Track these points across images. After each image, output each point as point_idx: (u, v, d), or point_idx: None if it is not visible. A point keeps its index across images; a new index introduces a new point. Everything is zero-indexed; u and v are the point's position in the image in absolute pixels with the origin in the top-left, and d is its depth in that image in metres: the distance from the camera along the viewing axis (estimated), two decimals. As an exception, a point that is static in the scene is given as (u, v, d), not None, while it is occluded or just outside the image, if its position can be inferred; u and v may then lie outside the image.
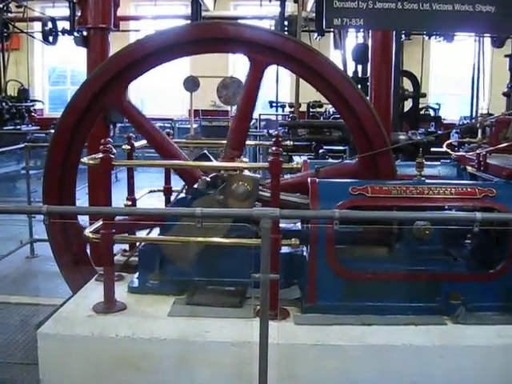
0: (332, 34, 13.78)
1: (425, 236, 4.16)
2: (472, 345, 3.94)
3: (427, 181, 4.56)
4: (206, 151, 5.30)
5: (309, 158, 6.55)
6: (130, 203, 5.46)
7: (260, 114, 18.44)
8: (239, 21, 15.60)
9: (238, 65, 22.45)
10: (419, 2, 4.67)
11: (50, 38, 12.48)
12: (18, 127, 17.27)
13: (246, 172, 4.64)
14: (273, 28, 13.83)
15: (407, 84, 11.37)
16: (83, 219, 5.16)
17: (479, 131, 5.82)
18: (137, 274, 4.81)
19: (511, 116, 5.69)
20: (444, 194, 4.34)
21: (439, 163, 5.71)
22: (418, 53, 15.35)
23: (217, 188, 4.69)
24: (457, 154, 5.88)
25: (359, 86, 5.21)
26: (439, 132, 10.28)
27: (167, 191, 5.90)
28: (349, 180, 4.60)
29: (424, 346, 3.91)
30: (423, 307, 4.25)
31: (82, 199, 7.48)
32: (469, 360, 3.89)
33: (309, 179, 4.50)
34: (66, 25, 11.16)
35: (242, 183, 4.52)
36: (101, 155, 4.40)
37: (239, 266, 4.33)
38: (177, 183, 5.74)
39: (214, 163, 4.94)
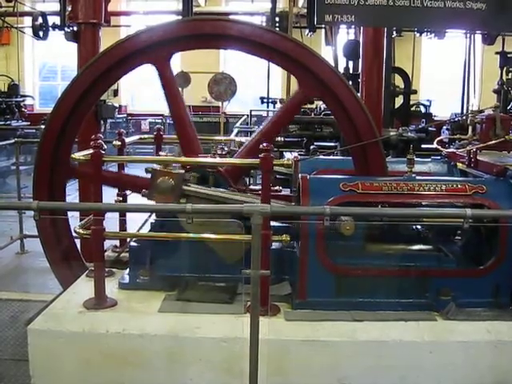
0: (323, 30, 13.78)
1: (346, 232, 4.16)
2: (461, 340, 3.96)
3: (418, 177, 4.58)
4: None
5: (300, 154, 6.53)
6: (120, 199, 5.46)
7: (251, 110, 18.42)
8: (230, 16, 15.54)
9: (229, 61, 22.42)
10: (410, -2, 4.69)
11: (41, 33, 12.38)
12: (9, 123, 17.21)
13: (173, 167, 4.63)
14: (264, 24, 13.80)
15: (398, 80, 11.38)
16: (73, 215, 5.15)
17: (469, 128, 5.84)
18: (127, 270, 4.80)
19: (499, 112, 5.69)
20: (434, 190, 4.35)
21: (430, 160, 5.72)
22: (409, 49, 15.33)
23: (207, 183, 4.70)
24: (447, 150, 5.90)
25: (350, 83, 5.22)
26: (429, 128, 10.29)
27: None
28: (339, 176, 4.61)
29: (414, 342, 3.94)
30: (413, 303, 4.27)
31: (72, 195, 7.47)
32: (458, 355, 3.91)
33: (299, 175, 4.50)
34: (57, 20, 11.08)
35: (168, 178, 4.51)
36: (91, 151, 4.39)
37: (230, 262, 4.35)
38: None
39: (204, 159, 4.93)
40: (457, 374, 3.92)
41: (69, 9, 8.45)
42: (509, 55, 14.50)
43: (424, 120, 12.32)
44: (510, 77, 14.00)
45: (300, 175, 4.50)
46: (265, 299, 3.99)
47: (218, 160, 4.92)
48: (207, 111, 20.11)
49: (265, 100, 17.69)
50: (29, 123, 17.81)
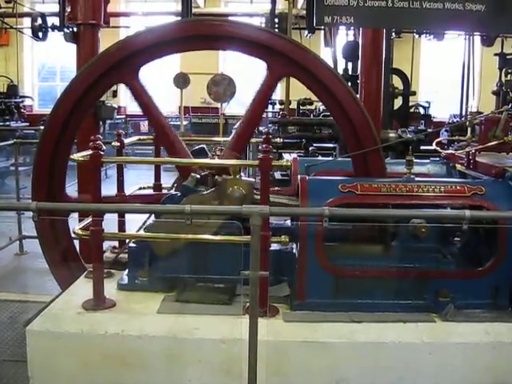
0: (323, 31, 13.78)
1: (421, 234, 4.17)
2: (460, 342, 3.96)
3: (417, 179, 4.58)
4: (204, 146, 5.27)
5: (299, 156, 6.54)
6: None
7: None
8: (229, 18, 15.53)
9: (228, 62, 22.43)
10: (410, 0, 4.69)
11: (40, 34, 12.38)
12: (8, 123, 17.22)
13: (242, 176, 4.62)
14: (263, 25, 13.81)
15: (397, 82, 11.39)
16: (72, 216, 5.15)
17: (468, 129, 5.84)
18: (126, 271, 4.80)
19: (500, 114, 5.69)
20: (433, 191, 4.35)
21: (429, 161, 5.72)
22: (408, 51, 15.38)
23: (206, 186, 4.69)
24: (446, 152, 5.90)
25: (349, 84, 5.23)
26: (429, 130, 10.31)
27: (157, 188, 5.89)
28: (338, 178, 4.61)
29: (412, 343, 3.93)
30: (412, 304, 4.27)
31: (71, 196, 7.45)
32: (457, 357, 3.91)
33: (299, 177, 4.50)
34: (56, 21, 11.10)
35: (238, 187, 4.50)
36: (90, 152, 4.39)
37: (229, 263, 4.35)
38: (166, 180, 5.73)
39: (207, 160, 4.93)
40: (455, 376, 3.92)
41: (68, 10, 8.45)
42: (508, 57, 14.53)
43: (423, 121, 12.33)
44: (508, 78, 14.02)
45: (299, 176, 4.51)
46: (264, 300, 3.98)
47: (217, 161, 4.91)
48: (206, 112, 20.11)
49: (264, 101, 17.66)
50: (28, 124, 17.84)
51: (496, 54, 14.74)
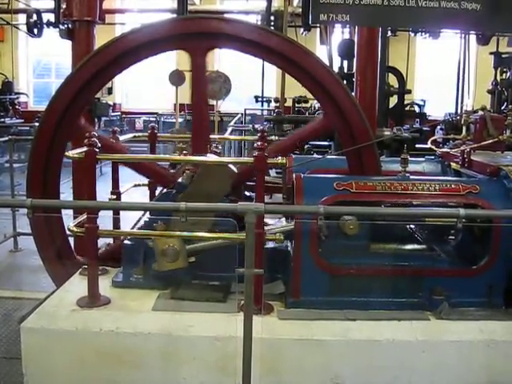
0: (318, 29, 13.78)
1: (350, 232, 4.18)
2: (454, 340, 3.97)
3: (411, 177, 4.58)
4: None
5: (294, 153, 6.52)
6: (114, 197, 5.45)
7: (245, 109, 18.41)
8: (225, 15, 15.51)
9: (223, 59, 22.40)
10: (405, -2, 4.70)
11: (35, 31, 12.38)
12: (2, 120, 17.17)
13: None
14: (259, 23, 13.79)
15: (393, 80, 11.40)
16: (67, 213, 5.13)
17: (463, 128, 5.86)
18: (121, 269, 4.79)
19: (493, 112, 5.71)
20: (428, 190, 4.36)
21: (424, 159, 5.73)
22: (403, 49, 15.37)
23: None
24: (441, 150, 5.91)
25: (345, 82, 5.23)
26: (424, 127, 10.31)
27: (152, 185, 5.89)
28: (333, 175, 4.61)
29: (407, 341, 3.94)
30: (406, 302, 4.28)
31: (66, 193, 7.45)
32: (451, 355, 3.92)
33: (293, 175, 4.50)
34: (51, 17, 11.08)
35: (170, 245, 4.44)
36: (85, 149, 4.38)
37: (223, 261, 4.35)
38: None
39: (199, 158, 4.92)
40: (450, 374, 3.93)
41: (63, 6, 8.43)
42: (503, 55, 14.54)
43: (418, 120, 12.35)
44: (504, 77, 14.05)
45: (294, 174, 4.51)
46: (258, 298, 3.99)
47: (213, 158, 4.91)
48: (202, 110, 20.05)
49: (259, 99, 17.71)
50: (23, 121, 17.79)
51: (491, 53, 14.75)
